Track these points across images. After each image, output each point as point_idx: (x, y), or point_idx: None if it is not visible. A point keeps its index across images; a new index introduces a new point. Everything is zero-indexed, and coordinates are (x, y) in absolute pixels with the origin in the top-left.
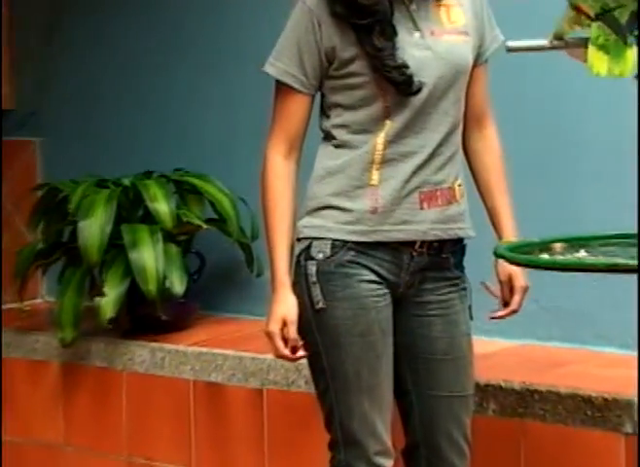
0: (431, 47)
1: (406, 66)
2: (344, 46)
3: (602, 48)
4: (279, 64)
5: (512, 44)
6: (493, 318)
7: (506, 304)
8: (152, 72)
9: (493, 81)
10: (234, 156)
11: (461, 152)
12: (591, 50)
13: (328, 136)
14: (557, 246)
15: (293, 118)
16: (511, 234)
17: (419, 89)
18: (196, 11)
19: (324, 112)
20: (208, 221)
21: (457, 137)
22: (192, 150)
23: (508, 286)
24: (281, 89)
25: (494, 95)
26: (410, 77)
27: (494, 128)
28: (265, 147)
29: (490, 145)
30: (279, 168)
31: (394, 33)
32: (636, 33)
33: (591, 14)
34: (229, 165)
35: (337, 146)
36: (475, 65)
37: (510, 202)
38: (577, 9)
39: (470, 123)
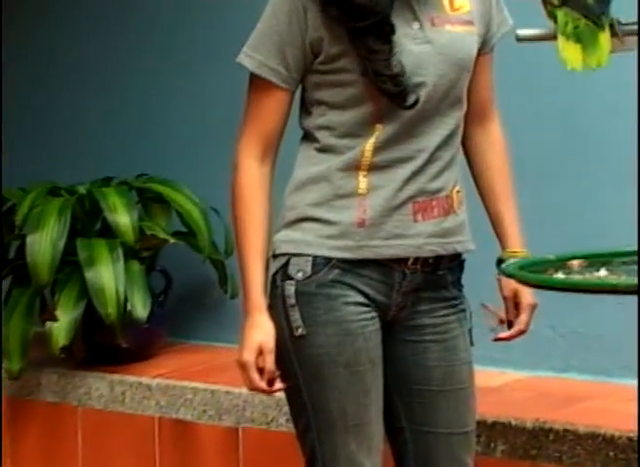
0: (431, 40)
1: (401, 75)
2: (333, 39)
3: (572, 36)
4: (257, 55)
5: (522, 33)
6: (497, 340)
7: (511, 324)
8: (110, 65)
9: (502, 71)
10: (205, 159)
11: (461, 152)
12: (561, 40)
13: (309, 137)
14: (575, 264)
15: (270, 116)
16: (516, 244)
17: (415, 103)
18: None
19: (305, 108)
20: (175, 234)
21: (458, 139)
22: (156, 153)
23: (513, 303)
24: (257, 83)
25: (504, 87)
26: (405, 89)
27: (498, 123)
28: (235, 149)
29: (494, 141)
30: (253, 174)
31: (392, 32)
32: (608, 10)
33: (555, 1)
34: (199, 171)
35: (319, 150)
36: (479, 54)
37: (516, 207)
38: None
39: (471, 116)
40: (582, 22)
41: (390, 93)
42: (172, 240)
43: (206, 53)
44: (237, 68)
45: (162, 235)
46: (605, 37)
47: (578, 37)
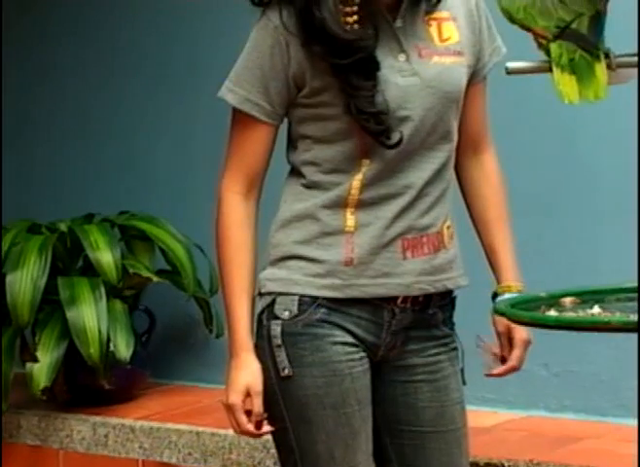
0: (418, 72)
1: (384, 112)
2: (316, 72)
3: (567, 68)
4: (239, 90)
5: (512, 65)
6: (489, 376)
7: (504, 360)
8: (92, 100)
9: (492, 100)
10: (189, 196)
11: (453, 186)
12: (556, 73)
13: (296, 173)
14: (567, 301)
15: (253, 151)
16: (511, 278)
17: (399, 142)
18: (146, 32)
19: (292, 143)
20: (159, 273)
21: (448, 173)
22: (139, 189)
23: (506, 338)
24: (240, 118)
25: (493, 118)
26: (389, 127)
27: (493, 154)
28: (219, 185)
29: (489, 173)
30: (237, 211)
31: (376, 68)
32: (603, 40)
33: (549, 36)
34: (183, 207)
35: (306, 186)
36: (470, 83)
37: (511, 240)
38: (531, 32)
39: (465, 148)
40: (577, 54)
41: (373, 132)
42: (156, 279)
43: (190, 88)
44: (221, 103)
45: (146, 274)
46: (601, 68)
47: (573, 69)
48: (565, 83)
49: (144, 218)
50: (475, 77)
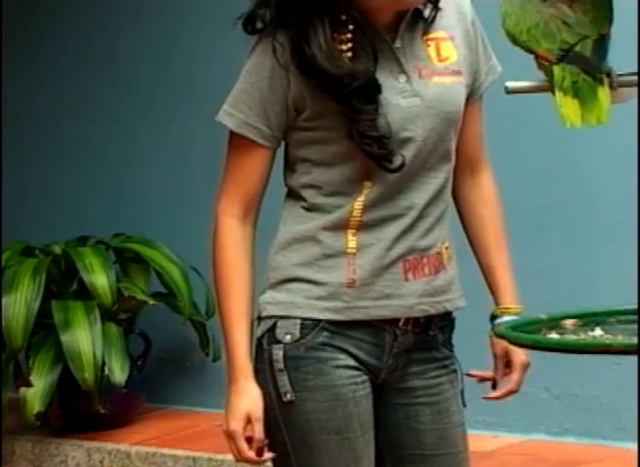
0: (419, 93)
1: (387, 136)
2: (316, 96)
3: (570, 91)
4: (237, 113)
5: (512, 85)
6: (487, 399)
7: (495, 383)
8: (88, 122)
9: (490, 118)
10: (185, 218)
11: (451, 207)
12: (559, 96)
13: (295, 196)
14: (568, 323)
15: (251, 175)
16: (510, 300)
17: (401, 166)
18: (143, 52)
19: (289, 166)
20: (155, 295)
21: (447, 193)
22: (134, 211)
23: (504, 361)
24: (238, 141)
25: (491, 136)
26: (391, 151)
27: (490, 174)
28: (216, 209)
29: (486, 194)
30: (234, 234)
31: (378, 91)
32: (605, 62)
33: (552, 58)
34: (179, 229)
35: (306, 209)
36: (467, 103)
37: (509, 261)
38: (534, 54)
39: (461, 168)
40: (580, 77)
41: (375, 156)
42: (151, 302)
43: (187, 110)
44: (219, 124)
45: (141, 297)
46: (604, 92)
47: (576, 92)
48: (567, 106)
49: (139, 240)
50: (471, 96)
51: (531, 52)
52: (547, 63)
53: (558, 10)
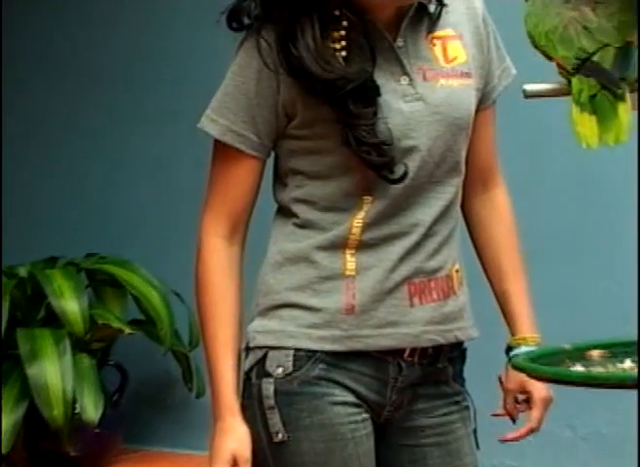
0: (423, 97)
1: (388, 142)
2: (308, 100)
3: (587, 106)
4: (222, 120)
5: (530, 88)
6: (504, 441)
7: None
8: (61, 130)
9: (504, 128)
10: (167, 236)
11: (461, 223)
12: (575, 112)
13: (286, 212)
14: (595, 354)
15: (238, 188)
16: (527, 329)
17: (404, 176)
18: (124, 63)
19: (279, 179)
20: (132, 323)
21: (457, 209)
22: (109, 229)
23: (520, 397)
24: (223, 151)
25: (506, 149)
26: (392, 159)
27: (504, 189)
28: (200, 226)
29: (500, 211)
30: (220, 256)
31: (377, 94)
32: (632, 75)
33: (567, 67)
34: (159, 249)
35: (299, 226)
36: (479, 108)
37: (526, 287)
38: (551, 60)
39: (473, 182)
40: (599, 91)
41: (375, 165)
42: (128, 330)
43: (169, 117)
44: (203, 135)
45: (117, 325)
46: (625, 109)
47: (594, 108)
48: (584, 123)
49: (115, 261)
50: (483, 101)
51: (549, 58)
52: (564, 73)
53: (580, 13)
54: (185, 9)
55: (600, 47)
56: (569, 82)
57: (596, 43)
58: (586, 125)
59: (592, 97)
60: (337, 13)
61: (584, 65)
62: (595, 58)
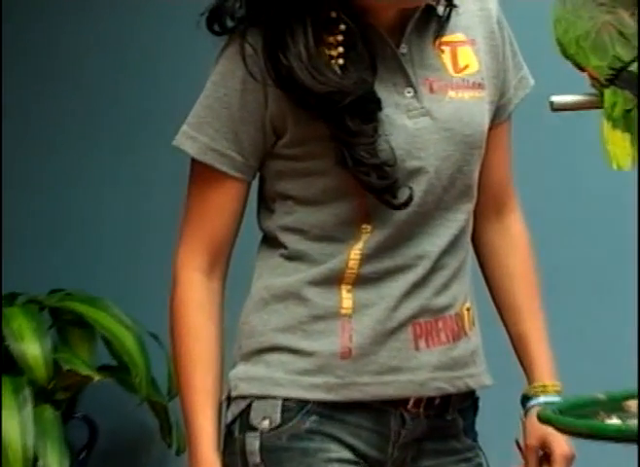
0: (430, 111)
1: (390, 163)
2: (300, 116)
3: (620, 123)
4: (201, 137)
5: (559, 99)
6: None
7: None
8: (17, 145)
9: (521, 145)
10: (141, 270)
11: (471, 253)
12: (606, 128)
13: (272, 242)
14: (632, 405)
15: (219, 215)
16: (546, 376)
17: (409, 201)
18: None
19: (265, 204)
20: (102, 369)
21: (468, 239)
22: (77, 262)
23: (540, 453)
24: (202, 172)
25: (523, 170)
26: (395, 182)
27: (520, 216)
28: (175, 258)
29: (515, 239)
30: (197, 292)
31: (378, 107)
32: None
33: (600, 78)
34: (132, 284)
35: (287, 258)
36: (492, 125)
37: (545, 327)
38: (583, 71)
39: (485, 208)
40: (634, 106)
41: (375, 189)
42: (97, 377)
43: (143, 134)
44: (180, 154)
45: (84, 371)
46: None
47: (628, 125)
48: (616, 142)
49: (82, 298)
50: (497, 116)
51: (581, 68)
52: (597, 84)
53: (616, 16)
54: (160, 8)
55: (638, 55)
56: (602, 94)
57: (633, 51)
58: (619, 143)
59: (627, 112)
60: (333, 15)
61: (618, 76)
62: (632, 68)
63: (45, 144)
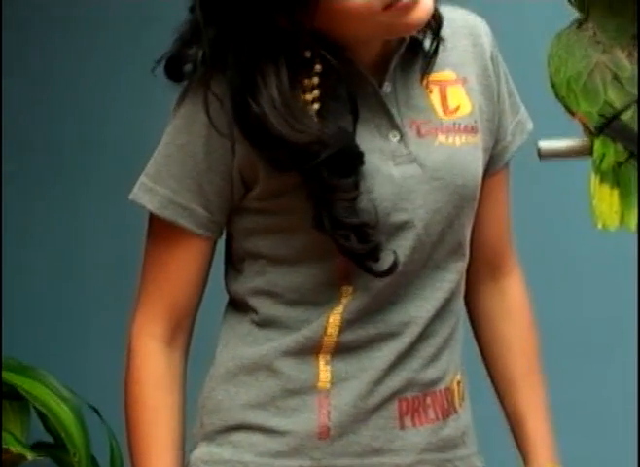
0: (418, 158)
1: (370, 225)
2: (271, 168)
3: (609, 177)
4: (161, 189)
5: (546, 145)
6: None
7: None
8: None
9: (520, 196)
10: (80, 335)
11: (463, 321)
12: (594, 181)
13: (241, 307)
14: None
15: (181, 276)
16: (545, 458)
17: (393, 267)
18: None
19: (233, 265)
20: (36, 447)
21: (459, 302)
22: (7, 326)
23: None
24: (163, 228)
25: (523, 223)
26: (377, 247)
27: (520, 278)
28: (130, 325)
29: (513, 305)
30: (156, 363)
31: (360, 162)
32: None
33: (590, 125)
34: (71, 352)
35: (258, 325)
36: (487, 174)
37: (545, 402)
38: (574, 116)
39: (479, 268)
40: (626, 159)
41: (354, 253)
42: (31, 456)
43: (84, 179)
44: (135, 206)
45: (17, 449)
46: None
47: (617, 180)
48: (603, 198)
49: (14, 367)
50: (493, 165)
51: (572, 113)
52: (587, 133)
53: (611, 57)
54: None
55: (631, 102)
56: (592, 143)
57: (627, 97)
58: (606, 199)
59: (618, 166)
60: (308, 55)
61: (609, 124)
62: (624, 117)
63: None
